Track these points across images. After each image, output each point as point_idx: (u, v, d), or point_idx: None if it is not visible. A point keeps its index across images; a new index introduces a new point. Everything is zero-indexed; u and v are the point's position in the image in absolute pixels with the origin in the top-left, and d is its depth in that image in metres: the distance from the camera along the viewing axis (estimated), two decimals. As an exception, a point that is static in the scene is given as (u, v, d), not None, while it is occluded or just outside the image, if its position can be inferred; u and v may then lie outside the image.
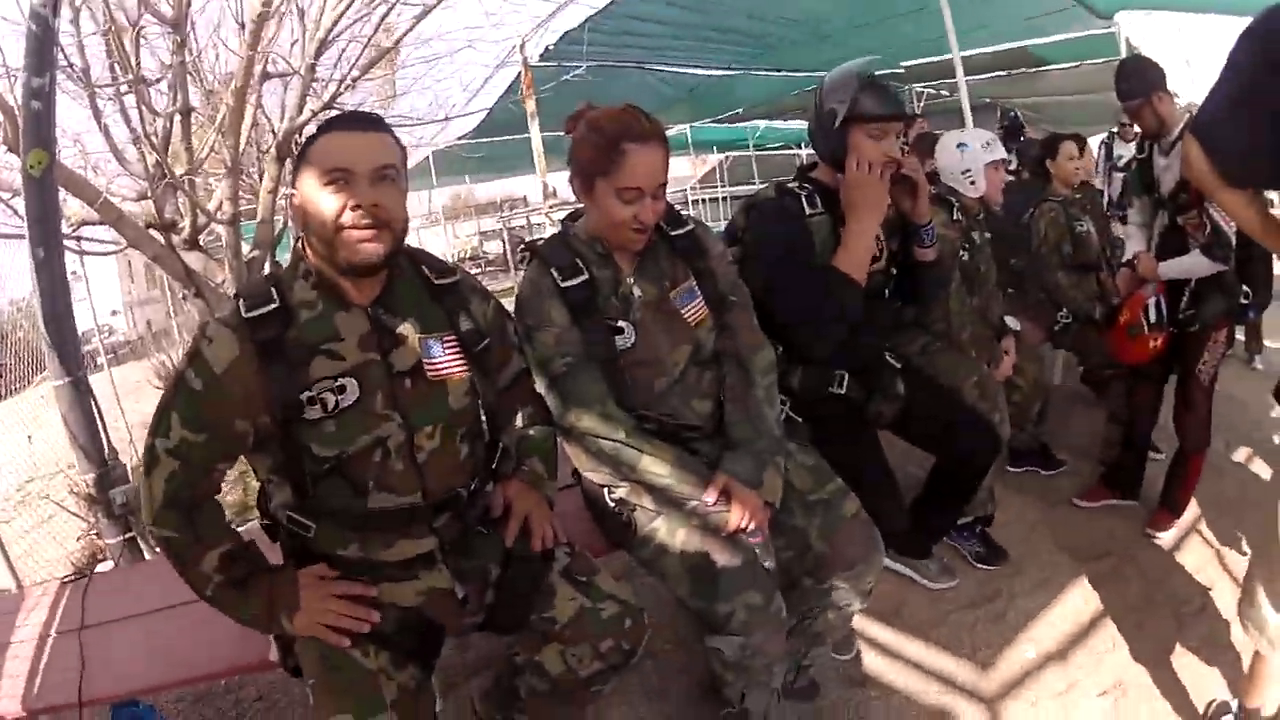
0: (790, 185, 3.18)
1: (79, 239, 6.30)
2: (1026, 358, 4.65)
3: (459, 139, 14.93)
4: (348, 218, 2.03)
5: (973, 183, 4.40)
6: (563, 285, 2.56)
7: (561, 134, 2.68)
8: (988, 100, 15.15)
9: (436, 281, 2.35)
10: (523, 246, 2.74)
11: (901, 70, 13.07)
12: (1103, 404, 5.23)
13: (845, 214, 3.03)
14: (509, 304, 2.65)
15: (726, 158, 28.25)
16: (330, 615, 2.14)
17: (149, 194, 5.97)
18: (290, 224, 8.98)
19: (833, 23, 9.94)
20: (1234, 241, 3.90)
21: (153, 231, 5.94)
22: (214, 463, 2.16)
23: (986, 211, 4.59)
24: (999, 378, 4.20)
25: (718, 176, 28.85)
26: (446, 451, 2.26)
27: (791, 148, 26.74)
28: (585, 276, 2.58)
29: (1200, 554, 4.16)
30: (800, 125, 22.22)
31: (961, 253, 4.23)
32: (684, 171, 30.37)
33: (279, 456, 2.15)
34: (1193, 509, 4.41)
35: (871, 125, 2.98)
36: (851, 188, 3.00)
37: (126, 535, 4.21)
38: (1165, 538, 4.27)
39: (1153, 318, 4.24)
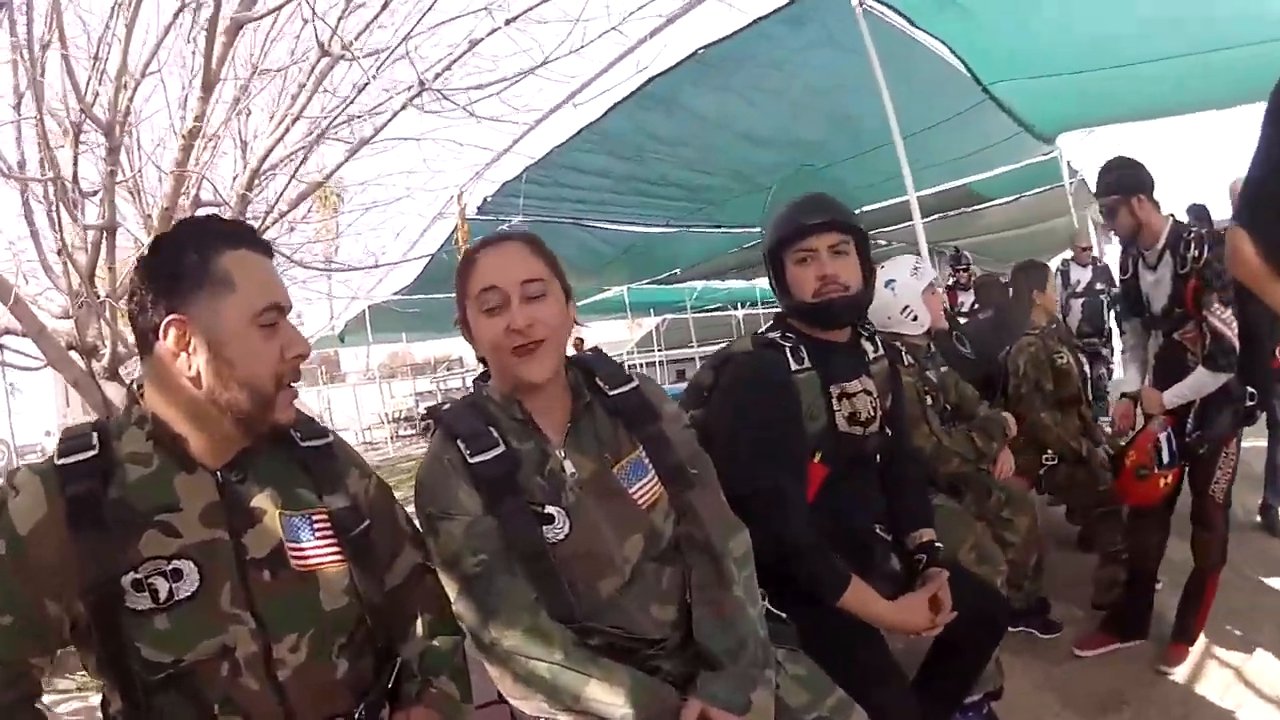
0: (771, 336, 2.79)
1: (1, 348, 6.04)
2: (1018, 509, 4.27)
3: (395, 294, 14.88)
4: (285, 368, 1.80)
5: (915, 318, 4.12)
6: (472, 461, 2.04)
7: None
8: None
9: (304, 443, 1.92)
10: (424, 414, 2.35)
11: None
12: (1086, 545, 5.11)
13: (889, 617, 2.62)
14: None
15: (663, 320, 28.36)
16: None
17: (70, 312, 5.57)
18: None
19: (773, 174, 9.74)
20: (1237, 345, 3.69)
21: (74, 354, 5.51)
22: (25, 655, 1.63)
23: (937, 343, 4.43)
24: (1002, 473, 4.06)
25: (654, 340, 28.61)
26: (317, 668, 1.77)
27: (728, 308, 27.01)
28: (501, 449, 2.07)
29: (1220, 677, 3.90)
30: (737, 284, 22.47)
31: (926, 398, 3.99)
32: (620, 336, 30.49)
33: (101, 655, 1.64)
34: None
35: (793, 249, 2.73)
36: (900, 615, 2.62)
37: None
38: (1181, 671, 3.98)
39: (1165, 457, 3.99)
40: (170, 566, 1.64)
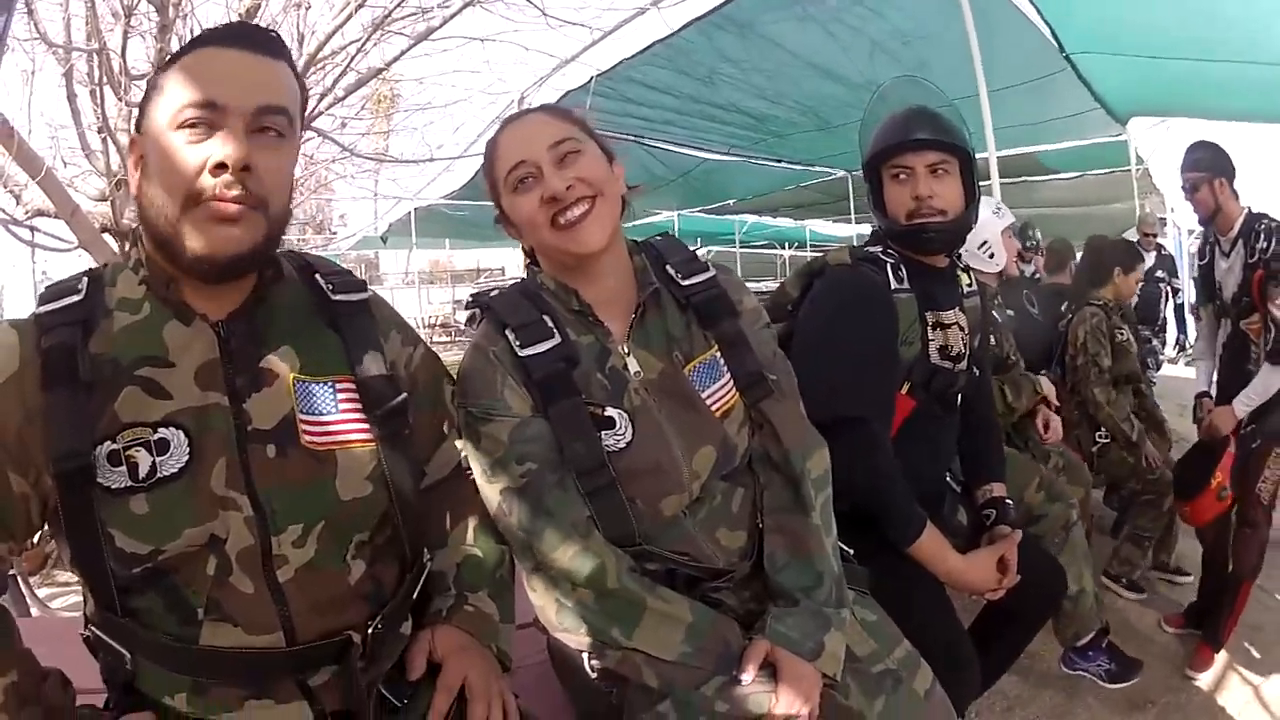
0: (871, 250, 2.50)
1: (33, 230, 5.88)
2: (1074, 478, 3.98)
3: (443, 197, 14.72)
4: (207, 182, 1.34)
5: (991, 255, 3.86)
6: (522, 354, 1.75)
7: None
8: (989, 210, 15.03)
9: (334, 297, 1.59)
10: (470, 301, 1.95)
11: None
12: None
13: (959, 571, 2.39)
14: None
15: (709, 252, 28.04)
16: None
17: (106, 194, 5.43)
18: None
19: (845, 113, 9.55)
20: None
21: (108, 237, 5.37)
22: None
23: (1006, 295, 4.28)
24: (1053, 439, 3.90)
25: (699, 271, 28.14)
26: (326, 569, 1.47)
27: (776, 246, 26.75)
28: (556, 340, 1.77)
29: (1240, 694, 3.71)
30: (787, 224, 22.20)
31: (989, 339, 3.74)
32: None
33: (72, 543, 1.39)
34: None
35: (891, 164, 2.43)
36: (969, 571, 2.40)
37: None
38: (1204, 678, 3.80)
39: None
40: (155, 436, 1.36)
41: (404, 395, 1.59)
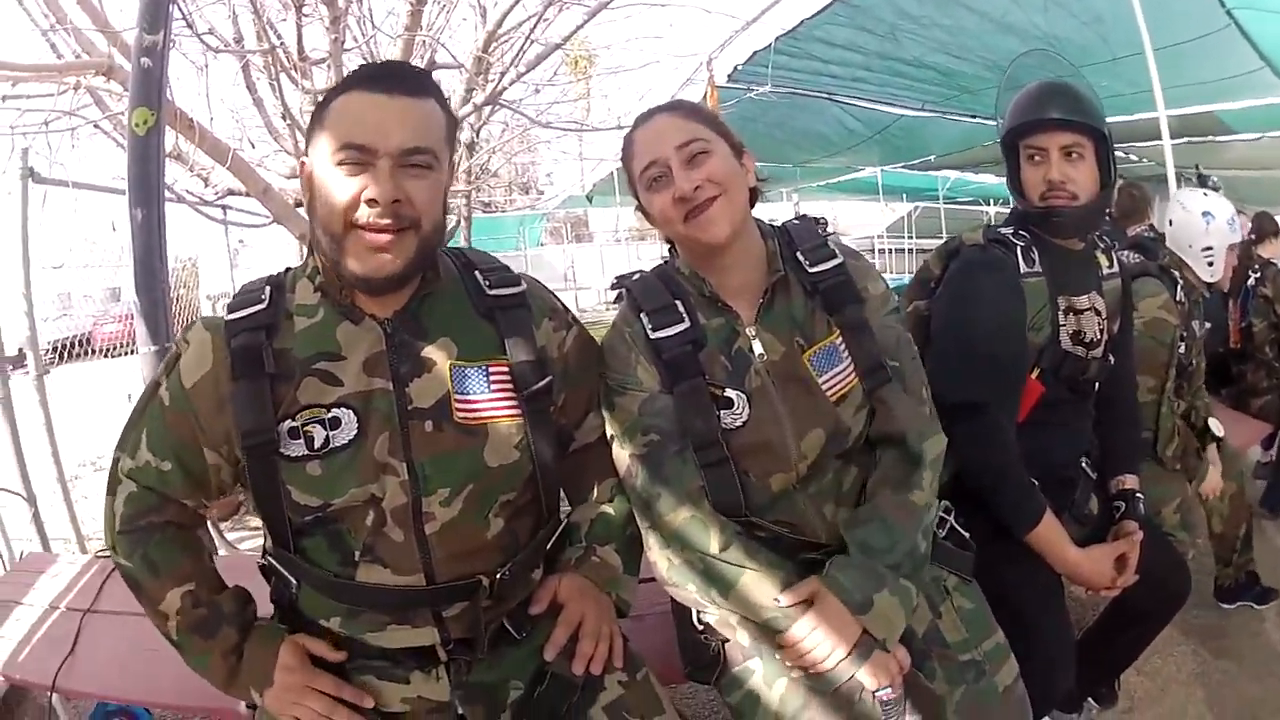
0: (1004, 232, 2.48)
1: (224, 209, 6.36)
2: (1226, 472, 3.68)
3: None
4: (362, 212, 1.58)
5: (1211, 263, 3.66)
6: (653, 336, 1.93)
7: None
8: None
9: (490, 291, 1.81)
10: (614, 283, 2.11)
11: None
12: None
13: (1075, 564, 2.41)
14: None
15: (915, 208, 27.26)
16: (306, 712, 1.71)
17: (296, 172, 5.82)
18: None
19: (1029, 70, 9.17)
20: None
21: (301, 210, 5.68)
22: (183, 497, 1.77)
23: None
24: (1207, 492, 3.59)
25: (905, 227, 27.28)
26: (468, 525, 1.73)
27: (980, 203, 25.86)
28: (686, 324, 1.93)
29: None
30: (990, 180, 21.56)
31: (1180, 346, 3.45)
32: (872, 219, 29.63)
33: (256, 496, 1.71)
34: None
35: (1027, 143, 2.39)
36: (1085, 565, 2.42)
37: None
38: None
39: None
40: (330, 415, 1.66)
41: (549, 378, 1.81)
